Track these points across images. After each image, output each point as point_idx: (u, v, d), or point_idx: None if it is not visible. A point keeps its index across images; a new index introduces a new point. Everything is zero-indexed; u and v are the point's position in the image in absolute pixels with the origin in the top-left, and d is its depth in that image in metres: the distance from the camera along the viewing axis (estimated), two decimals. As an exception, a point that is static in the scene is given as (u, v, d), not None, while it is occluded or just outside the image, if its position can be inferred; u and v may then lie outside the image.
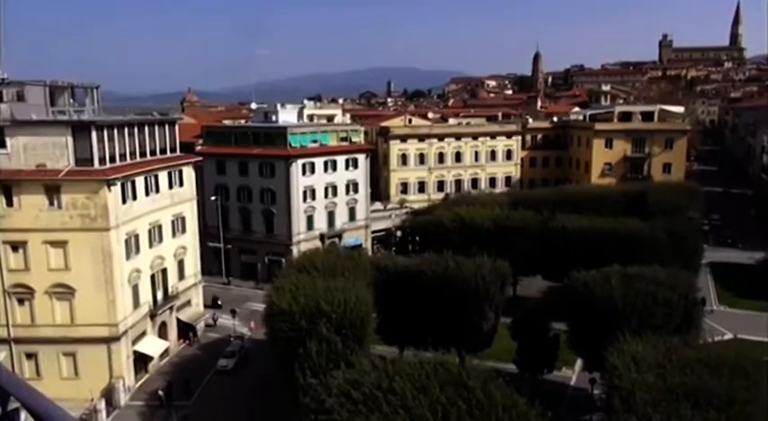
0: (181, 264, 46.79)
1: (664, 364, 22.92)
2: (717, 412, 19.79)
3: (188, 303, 48.41)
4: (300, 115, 70.83)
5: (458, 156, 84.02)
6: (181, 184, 46.60)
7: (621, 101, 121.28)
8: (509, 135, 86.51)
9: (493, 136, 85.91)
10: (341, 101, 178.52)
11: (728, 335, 43.71)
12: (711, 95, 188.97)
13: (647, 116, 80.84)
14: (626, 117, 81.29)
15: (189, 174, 47.93)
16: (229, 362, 42.58)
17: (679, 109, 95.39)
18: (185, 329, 47.54)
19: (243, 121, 73.70)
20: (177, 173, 46.18)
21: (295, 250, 58.72)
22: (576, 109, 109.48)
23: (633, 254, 41.01)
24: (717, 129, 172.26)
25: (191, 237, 48.28)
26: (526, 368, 35.75)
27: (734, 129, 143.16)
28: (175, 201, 45.75)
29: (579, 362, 38.26)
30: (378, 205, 76.16)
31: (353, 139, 68.77)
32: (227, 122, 72.39)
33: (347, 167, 66.08)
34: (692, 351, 24.59)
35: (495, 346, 37.16)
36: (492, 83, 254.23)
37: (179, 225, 46.30)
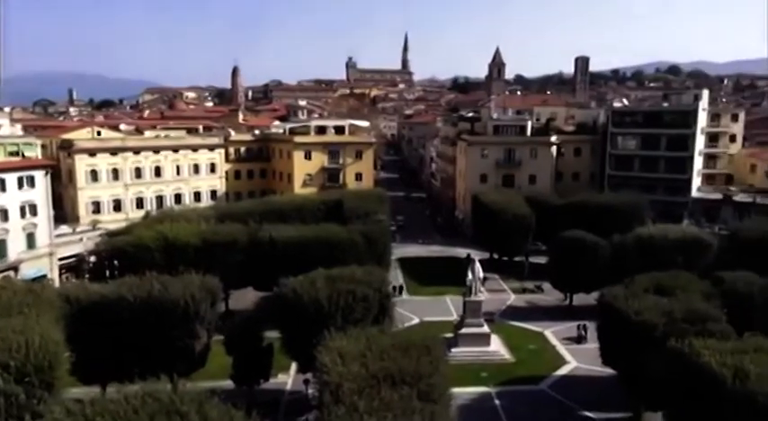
0: None
1: (365, 354, 25.23)
2: (409, 388, 22.62)
3: None
4: (-50, 125, 58.14)
5: (158, 171, 79.30)
6: None
7: (317, 115, 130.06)
8: (212, 148, 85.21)
9: (195, 149, 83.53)
10: (7, 109, 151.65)
11: (416, 320, 50.55)
12: (391, 112, 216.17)
13: (340, 130, 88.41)
14: (321, 130, 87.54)
15: None
16: None
17: (365, 123, 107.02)
18: None
19: None
20: None
21: (-47, 291, 47.78)
22: (277, 122, 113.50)
23: (335, 256, 44.49)
24: (397, 141, 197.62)
25: None
26: (243, 381, 35.60)
27: (409, 142, 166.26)
28: None
29: (294, 366, 39.67)
30: (65, 228, 66.95)
31: (27, 154, 59.27)
32: None
33: (21, 187, 56.57)
34: (388, 338, 27.64)
35: (209, 365, 36.05)
36: (191, 94, 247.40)
37: None
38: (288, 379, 40.52)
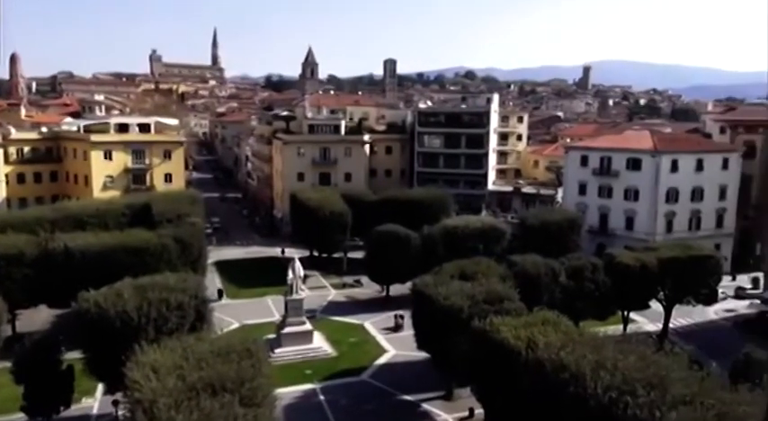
0: None
1: (182, 365, 23.83)
2: (231, 394, 21.87)
3: None
4: None
5: None
6: None
7: (117, 112, 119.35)
8: (-14, 148, 73.70)
9: (-36, 149, 71.59)
10: None
11: (236, 324, 49.09)
12: (202, 110, 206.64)
13: (145, 128, 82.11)
14: (124, 128, 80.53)
15: None
16: None
17: (174, 121, 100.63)
18: None
19: None
20: None
21: None
22: (69, 119, 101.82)
23: (144, 264, 41.47)
24: (210, 140, 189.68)
25: None
26: (37, 411, 31.47)
27: (223, 141, 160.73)
28: None
29: (101, 388, 36.11)
30: None
31: None
32: None
33: None
34: (206, 345, 26.38)
35: (-7, 398, 31.36)
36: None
37: None
38: (94, 402, 36.79)
